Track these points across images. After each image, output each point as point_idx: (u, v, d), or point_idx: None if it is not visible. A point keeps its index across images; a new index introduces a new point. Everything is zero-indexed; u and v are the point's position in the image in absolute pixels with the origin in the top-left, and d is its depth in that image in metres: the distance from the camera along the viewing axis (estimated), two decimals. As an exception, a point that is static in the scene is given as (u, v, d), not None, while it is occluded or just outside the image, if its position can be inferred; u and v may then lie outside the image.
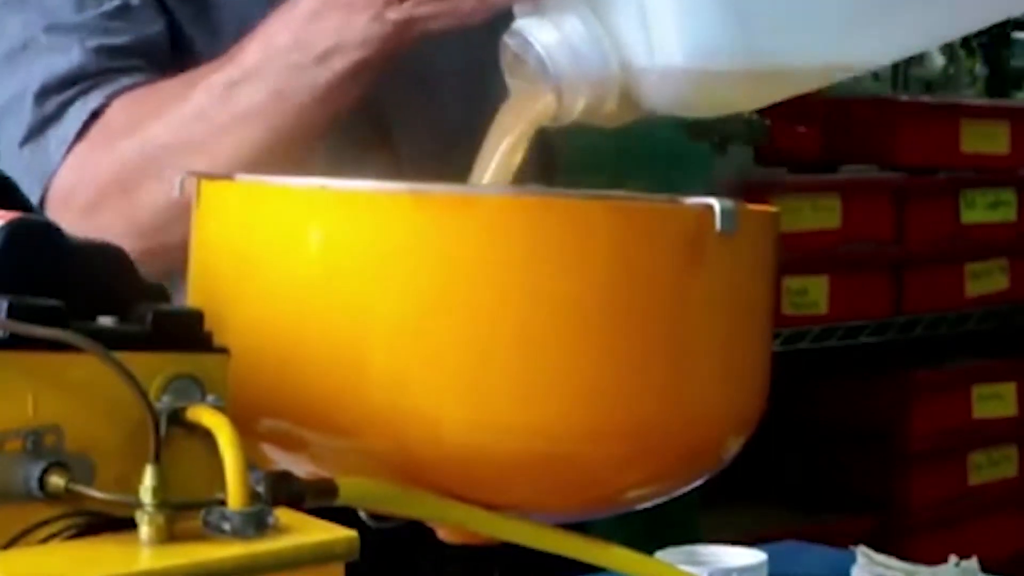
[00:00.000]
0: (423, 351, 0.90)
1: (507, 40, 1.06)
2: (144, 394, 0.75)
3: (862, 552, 1.37)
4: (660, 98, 1.06)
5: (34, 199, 1.21)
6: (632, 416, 0.92)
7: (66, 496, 0.75)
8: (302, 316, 0.92)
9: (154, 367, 0.78)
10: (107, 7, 1.26)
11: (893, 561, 1.36)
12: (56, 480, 0.75)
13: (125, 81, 1.24)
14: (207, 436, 0.77)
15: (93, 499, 0.75)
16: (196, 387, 0.80)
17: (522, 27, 1.05)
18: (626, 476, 0.97)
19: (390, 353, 0.90)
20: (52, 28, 1.25)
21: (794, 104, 3.55)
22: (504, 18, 1.09)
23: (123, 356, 0.75)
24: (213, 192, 0.98)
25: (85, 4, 1.26)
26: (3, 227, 0.78)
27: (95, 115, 1.23)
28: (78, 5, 1.26)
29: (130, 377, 0.75)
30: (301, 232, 0.92)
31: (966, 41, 4.18)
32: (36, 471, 0.75)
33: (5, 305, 0.74)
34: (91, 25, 1.25)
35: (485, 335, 0.90)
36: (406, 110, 1.32)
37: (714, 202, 0.92)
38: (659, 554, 1.20)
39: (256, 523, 0.74)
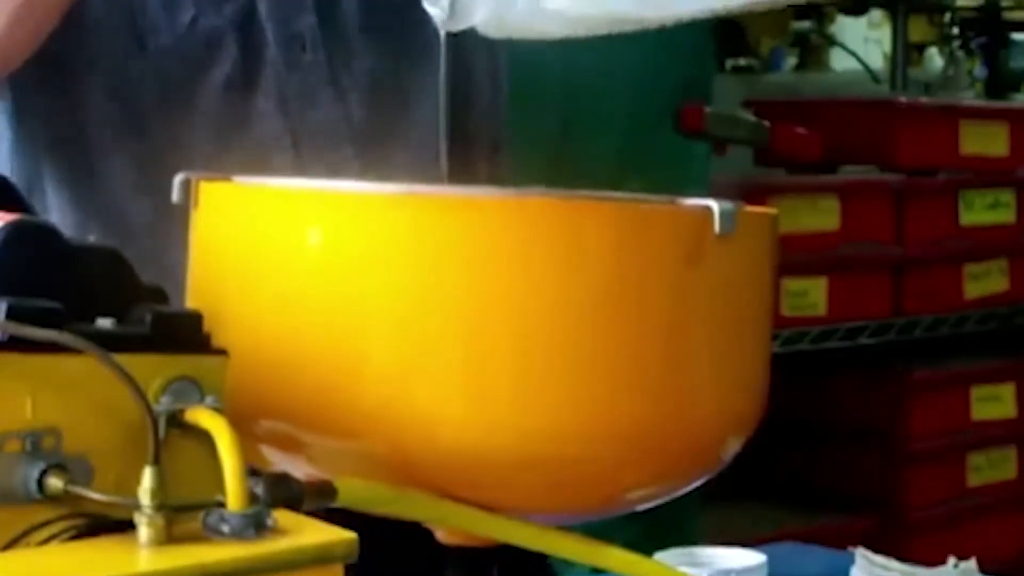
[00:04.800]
0: (421, 352, 0.90)
1: None
2: (143, 396, 0.75)
3: (861, 553, 1.37)
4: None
5: None
6: (631, 417, 0.92)
7: (65, 498, 0.75)
8: (300, 318, 0.92)
9: (153, 369, 0.78)
10: None
11: (892, 562, 1.36)
12: (55, 482, 0.75)
13: None
14: (206, 438, 0.77)
15: (92, 501, 0.75)
16: (195, 389, 0.80)
17: None
18: (625, 477, 0.97)
19: (388, 354, 0.90)
20: None
21: (794, 105, 3.54)
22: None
23: (122, 358, 0.75)
24: (212, 193, 0.98)
25: None
26: (3, 228, 0.78)
27: None
28: None
29: (129, 379, 0.75)
30: (300, 234, 0.92)
31: (965, 43, 4.19)
32: (35, 473, 0.75)
33: (4, 307, 0.74)
34: None
35: (484, 337, 0.90)
36: (312, 104, 1.32)
37: (713, 203, 0.92)
38: (658, 555, 1.20)
39: (255, 525, 0.74)
